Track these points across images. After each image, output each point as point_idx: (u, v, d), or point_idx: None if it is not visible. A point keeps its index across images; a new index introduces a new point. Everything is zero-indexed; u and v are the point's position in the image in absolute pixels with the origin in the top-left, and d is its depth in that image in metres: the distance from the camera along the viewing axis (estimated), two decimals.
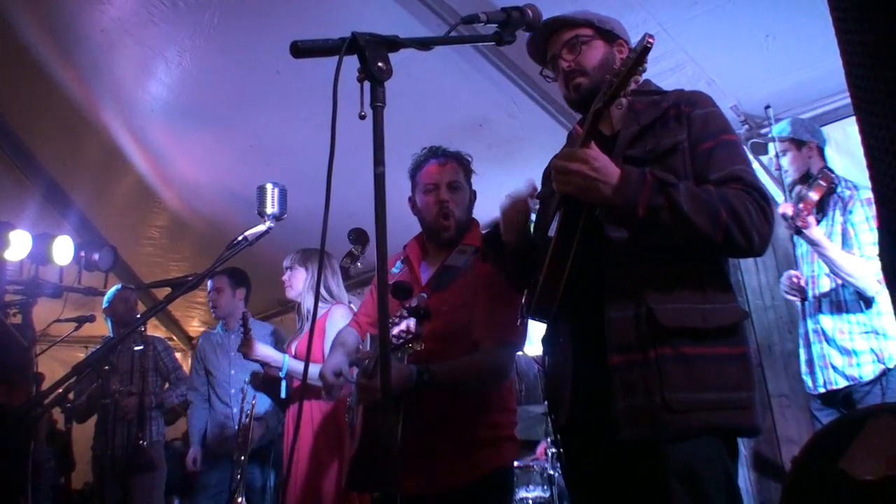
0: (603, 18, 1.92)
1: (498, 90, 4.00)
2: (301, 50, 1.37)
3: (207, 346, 4.35)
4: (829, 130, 3.46)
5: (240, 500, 3.62)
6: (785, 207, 2.92)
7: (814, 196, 2.92)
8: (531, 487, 3.75)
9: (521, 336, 2.30)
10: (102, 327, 5.01)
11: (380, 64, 1.35)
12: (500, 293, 2.19)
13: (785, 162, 3.20)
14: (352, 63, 1.37)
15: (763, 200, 1.60)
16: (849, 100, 0.87)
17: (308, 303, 3.45)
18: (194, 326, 7.16)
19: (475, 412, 2.26)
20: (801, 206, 2.89)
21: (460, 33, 1.77)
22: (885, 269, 0.93)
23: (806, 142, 3.15)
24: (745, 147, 1.81)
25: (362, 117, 1.33)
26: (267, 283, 4.71)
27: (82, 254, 4.67)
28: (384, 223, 1.34)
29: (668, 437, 1.52)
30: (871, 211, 2.80)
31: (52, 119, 5.08)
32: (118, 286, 4.87)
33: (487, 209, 5.24)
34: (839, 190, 3.02)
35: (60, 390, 2.08)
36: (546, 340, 1.87)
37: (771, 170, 3.46)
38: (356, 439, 2.31)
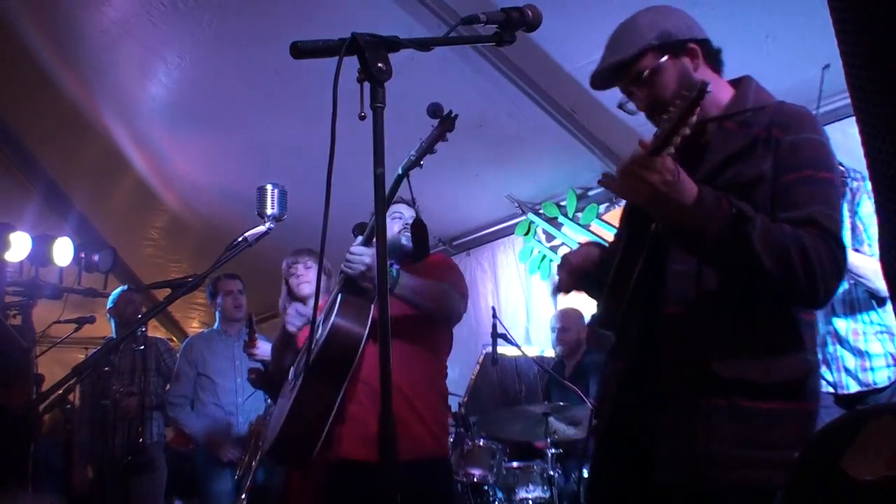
0: (656, 27, 1.70)
1: (498, 90, 4.00)
2: (301, 51, 1.37)
3: (205, 350, 4.25)
4: (829, 130, 3.45)
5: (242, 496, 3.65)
6: None
7: None
8: (531, 487, 3.75)
9: (465, 294, 2.57)
10: (102, 328, 5.01)
11: (380, 64, 1.35)
12: (445, 270, 2.59)
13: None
14: (352, 64, 1.37)
15: (839, 251, 1.46)
16: (849, 100, 0.87)
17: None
18: (194, 327, 7.15)
19: (426, 395, 2.45)
20: None
21: (460, 34, 1.77)
22: (884, 269, 0.93)
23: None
24: (836, 187, 1.56)
25: (362, 118, 1.33)
26: (267, 285, 4.71)
27: (82, 255, 4.67)
28: (384, 223, 1.34)
29: (707, 489, 1.47)
30: None
31: (52, 120, 5.08)
32: (124, 287, 4.85)
33: (488, 209, 5.28)
34: (847, 181, 2.76)
35: (61, 391, 2.08)
36: (609, 351, 1.79)
37: None
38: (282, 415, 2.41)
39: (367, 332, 2.33)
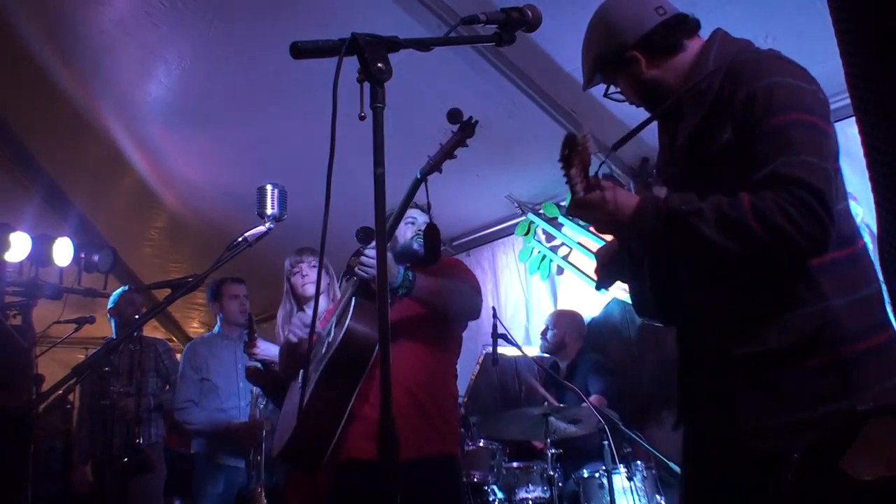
0: (590, 52, 1.80)
1: (497, 91, 4.00)
2: (301, 51, 1.37)
3: (207, 354, 4.24)
4: None
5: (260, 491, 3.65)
6: None
7: None
8: (531, 488, 3.75)
9: (480, 292, 2.60)
10: (102, 329, 5.01)
11: (379, 65, 1.35)
12: (459, 272, 2.62)
13: None
14: (352, 64, 1.37)
15: (811, 195, 1.37)
16: (849, 100, 0.87)
17: (321, 305, 3.39)
18: (194, 328, 7.15)
19: (437, 394, 2.47)
20: None
21: (460, 34, 1.77)
22: (884, 269, 0.93)
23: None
24: (805, 126, 1.46)
25: (362, 118, 1.33)
26: (267, 285, 4.71)
27: (82, 255, 4.67)
28: (384, 224, 1.34)
29: (757, 459, 1.47)
30: None
31: (52, 120, 5.08)
32: (125, 287, 4.84)
33: (488, 209, 5.28)
34: None
35: (61, 391, 2.08)
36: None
37: None
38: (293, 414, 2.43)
39: None
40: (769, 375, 1.46)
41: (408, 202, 2.39)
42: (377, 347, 2.24)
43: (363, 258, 2.35)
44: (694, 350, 1.63)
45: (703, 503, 1.63)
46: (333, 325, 2.50)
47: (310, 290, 3.34)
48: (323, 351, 2.47)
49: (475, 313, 2.57)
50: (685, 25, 1.70)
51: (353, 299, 2.40)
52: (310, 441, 2.35)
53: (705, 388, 1.59)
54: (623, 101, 1.82)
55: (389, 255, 2.38)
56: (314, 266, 3.44)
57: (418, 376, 2.41)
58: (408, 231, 2.62)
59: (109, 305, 4.69)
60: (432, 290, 2.37)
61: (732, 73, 1.53)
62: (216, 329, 4.43)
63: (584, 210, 1.52)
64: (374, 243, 2.42)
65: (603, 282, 1.90)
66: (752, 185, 1.43)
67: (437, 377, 2.52)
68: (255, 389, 3.96)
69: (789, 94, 1.48)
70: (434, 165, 2.30)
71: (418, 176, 2.31)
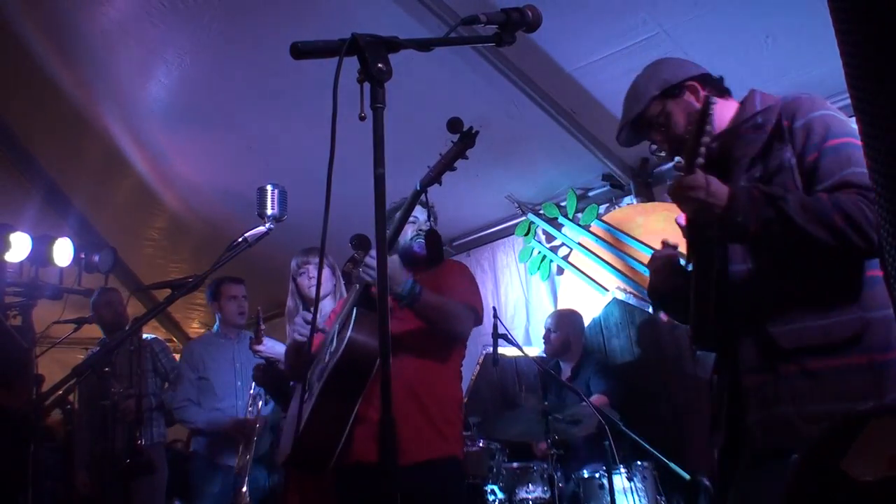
0: (653, 80, 1.94)
1: (497, 91, 4.00)
2: (301, 51, 1.37)
3: (204, 353, 4.24)
4: None
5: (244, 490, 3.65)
6: None
7: None
8: (531, 488, 3.75)
9: (481, 309, 2.59)
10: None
11: (379, 65, 1.35)
12: (463, 278, 2.62)
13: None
14: (352, 64, 1.37)
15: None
16: (849, 100, 0.87)
17: (326, 307, 3.38)
18: (194, 328, 7.15)
19: (441, 396, 2.48)
20: None
21: (460, 34, 1.77)
22: (885, 270, 0.93)
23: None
24: (857, 146, 1.65)
25: (362, 118, 1.33)
26: (267, 285, 4.72)
27: (82, 255, 4.67)
28: (384, 224, 1.34)
29: (801, 444, 1.54)
30: None
31: (51, 120, 5.07)
32: (100, 288, 4.79)
33: (488, 209, 5.28)
34: None
35: (61, 392, 2.08)
36: (714, 367, 1.96)
37: None
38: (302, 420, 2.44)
39: None
40: (812, 367, 1.64)
41: (408, 214, 2.40)
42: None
43: (367, 260, 2.36)
44: (743, 352, 1.75)
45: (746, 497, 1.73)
46: (336, 334, 2.50)
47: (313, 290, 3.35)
48: (326, 359, 2.47)
49: (464, 338, 2.59)
50: (722, 82, 1.98)
51: (355, 310, 2.39)
52: (315, 448, 2.35)
53: (750, 389, 1.73)
54: (664, 160, 2.11)
55: (397, 258, 2.40)
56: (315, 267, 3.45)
57: (421, 380, 2.43)
58: (408, 230, 2.62)
59: (90, 310, 4.66)
60: (434, 308, 2.38)
61: (788, 109, 1.77)
62: (215, 328, 4.42)
63: (683, 190, 1.67)
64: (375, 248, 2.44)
65: (657, 305, 2.10)
66: (821, 192, 1.64)
67: (441, 380, 2.52)
68: (253, 389, 3.96)
69: (839, 123, 1.72)
70: (434, 177, 2.33)
71: (418, 188, 2.33)
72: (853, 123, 1.63)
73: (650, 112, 1.93)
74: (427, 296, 2.36)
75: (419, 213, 2.64)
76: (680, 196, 1.70)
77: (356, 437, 2.37)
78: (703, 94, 1.88)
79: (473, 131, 2.29)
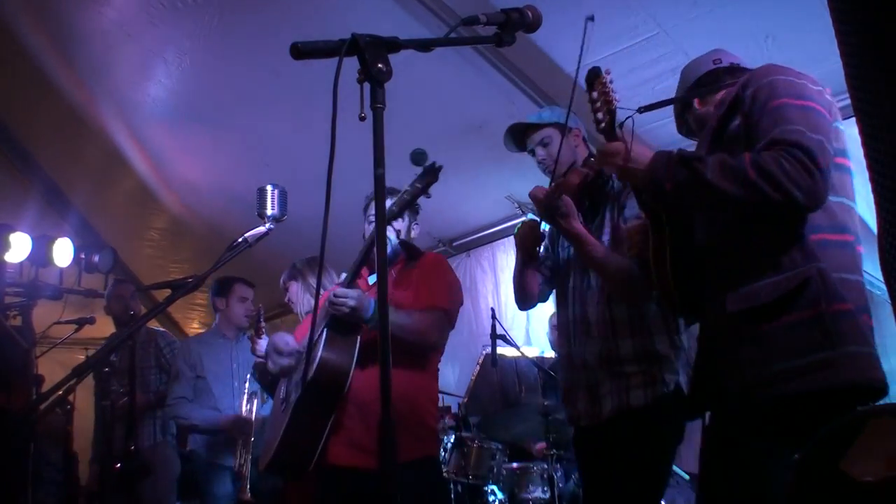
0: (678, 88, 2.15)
1: (498, 91, 4.00)
2: (301, 51, 1.37)
3: (202, 352, 4.18)
4: None
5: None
6: (535, 190, 2.35)
7: (573, 178, 2.33)
8: (531, 488, 3.75)
9: (454, 310, 2.64)
10: (102, 329, 5.00)
11: (380, 65, 1.35)
12: (437, 275, 2.65)
13: (547, 152, 2.56)
14: (352, 64, 1.37)
15: (803, 153, 1.59)
16: (849, 100, 0.87)
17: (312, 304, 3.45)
18: (194, 328, 7.15)
19: (411, 398, 2.51)
20: (570, 177, 2.33)
21: (460, 34, 1.77)
22: (884, 269, 0.93)
23: (572, 129, 2.60)
24: (800, 107, 1.71)
25: (362, 119, 1.33)
26: (267, 285, 4.71)
27: (82, 256, 4.67)
28: (384, 224, 1.35)
29: (764, 408, 1.66)
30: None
31: (51, 121, 5.08)
32: (113, 280, 4.80)
33: (488, 209, 5.28)
34: (612, 184, 2.47)
35: (61, 392, 2.08)
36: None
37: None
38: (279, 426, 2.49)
39: (354, 362, 2.38)
40: (764, 329, 1.66)
41: (370, 246, 2.45)
42: (351, 373, 2.35)
43: (332, 297, 2.39)
44: (708, 318, 1.86)
45: (721, 468, 1.78)
46: (307, 352, 2.55)
47: (296, 308, 3.59)
48: (299, 376, 2.53)
49: (437, 348, 2.63)
50: (735, 72, 2.01)
51: (326, 331, 2.43)
52: (292, 456, 2.43)
53: (713, 351, 1.82)
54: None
55: (356, 291, 2.42)
56: (286, 290, 3.57)
57: (395, 388, 2.42)
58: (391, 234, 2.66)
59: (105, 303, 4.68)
60: (401, 327, 2.39)
61: (745, 81, 1.83)
62: (213, 326, 4.38)
63: (606, 157, 1.82)
64: (343, 277, 2.58)
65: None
66: (754, 153, 1.67)
67: (414, 382, 2.54)
68: (249, 388, 3.96)
69: (786, 85, 1.75)
70: (397, 213, 2.40)
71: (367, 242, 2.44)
72: (809, 87, 1.76)
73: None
74: (394, 316, 2.37)
75: (398, 222, 2.70)
76: (603, 163, 1.86)
77: (331, 441, 2.44)
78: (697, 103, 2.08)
79: (437, 166, 2.37)
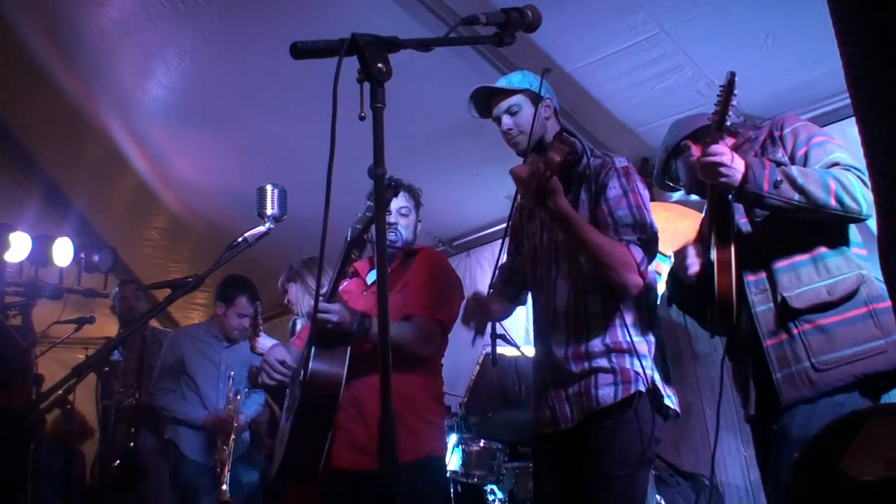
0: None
1: None
2: (301, 51, 1.37)
3: (192, 349, 4.12)
4: (829, 130, 3.45)
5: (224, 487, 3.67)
6: (519, 170, 2.09)
7: (555, 156, 2.07)
8: (531, 488, 3.74)
9: (449, 318, 2.64)
10: (102, 328, 5.01)
11: (380, 65, 1.35)
12: (431, 277, 2.63)
13: (514, 122, 2.34)
14: (352, 64, 1.37)
15: (862, 174, 1.90)
16: (849, 100, 0.87)
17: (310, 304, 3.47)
18: None
19: (412, 396, 2.53)
20: (540, 164, 2.03)
21: (460, 34, 1.77)
22: (884, 271, 0.93)
23: (544, 98, 2.35)
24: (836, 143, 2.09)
25: (362, 118, 1.33)
26: (267, 285, 4.71)
27: (82, 255, 4.67)
28: (384, 223, 1.35)
29: (824, 392, 1.91)
30: (631, 184, 2.20)
31: (51, 120, 5.08)
32: (119, 280, 4.82)
33: (488, 208, 5.28)
34: (586, 162, 2.28)
35: (61, 392, 2.08)
36: (726, 348, 2.20)
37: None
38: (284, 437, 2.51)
39: (345, 370, 2.39)
40: (824, 323, 1.96)
41: (347, 261, 2.42)
42: (342, 383, 2.37)
43: (320, 312, 2.37)
44: (760, 319, 2.05)
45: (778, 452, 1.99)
46: (303, 359, 2.56)
47: (296, 309, 3.59)
48: (301, 378, 2.54)
49: (429, 357, 2.62)
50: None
51: (314, 345, 2.44)
52: (299, 462, 2.45)
53: (771, 350, 2.01)
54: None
55: (337, 306, 2.40)
56: (284, 292, 3.58)
57: (393, 390, 2.42)
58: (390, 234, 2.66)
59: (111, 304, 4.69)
60: (393, 342, 2.37)
61: (776, 123, 2.18)
62: (207, 322, 4.32)
63: (713, 156, 1.93)
64: (325, 289, 2.54)
65: (672, 294, 2.35)
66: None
67: (414, 382, 2.54)
68: (232, 388, 3.93)
69: (817, 129, 2.16)
70: (363, 230, 2.37)
71: (348, 239, 2.37)
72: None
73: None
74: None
75: (407, 218, 2.70)
76: (707, 164, 1.95)
77: (333, 444, 2.45)
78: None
79: (393, 184, 2.39)
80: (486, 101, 2.38)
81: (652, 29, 3.45)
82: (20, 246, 4.26)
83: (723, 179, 1.95)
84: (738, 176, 1.93)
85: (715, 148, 1.95)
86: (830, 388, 1.92)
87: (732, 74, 1.91)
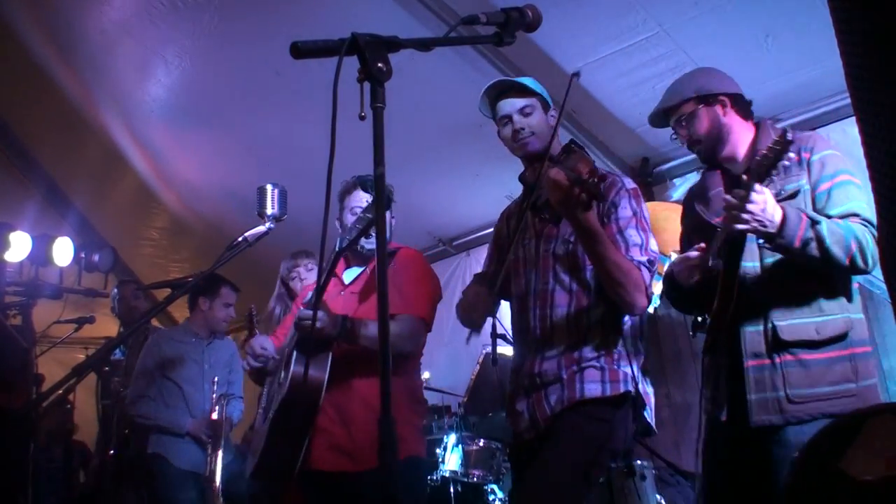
0: (694, 83, 2.24)
1: None
2: (301, 51, 1.37)
3: (172, 352, 3.99)
4: (829, 130, 3.46)
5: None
6: (558, 175, 1.94)
7: (583, 167, 2.00)
8: None
9: (431, 316, 2.62)
10: (102, 328, 5.01)
11: (380, 65, 1.35)
12: (412, 275, 2.59)
13: (527, 123, 2.29)
14: (352, 64, 1.37)
15: (875, 229, 1.89)
16: (849, 100, 0.87)
17: None
18: None
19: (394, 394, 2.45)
20: (582, 172, 1.94)
21: (460, 34, 1.77)
22: (884, 269, 0.93)
23: (550, 107, 2.36)
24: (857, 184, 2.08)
25: (362, 118, 1.33)
26: (266, 284, 4.71)
27: (82, 255, 4.67)
28: (384, 223, 1.35)
29: (790, 422, 1.98)
30: (640, 206, 2.23)
31: (51, 120, 5.08)
32: (119, 281, 4.82)
33: (488, 208, 5.28)
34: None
35: (61, 391, 2.08)
36: (706, 351, 2.20)
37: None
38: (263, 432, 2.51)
39: (327, 376, 2.38)
40: (806, 358, 2.01)
41: (333, 267, 2.42)
42: (324, 388, 2.37)
43: (297, 319, 2.38)
44: (747, 339, 2.07)
45: (739, 474, 2.07)
46: (282, 365, 2.56)
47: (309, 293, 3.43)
48: (280, 380, 2.53)
49: (413, 355, 2.61)
50: (750, 105, 2.25)
51: (295, 350, 2.44)
52: (276, 463, 2.45)
53: (751, 372, 2.04)
54: (683, 145, 2.31)
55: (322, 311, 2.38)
56: (311, 269, 3.48)
57: (374, 388, 2.42)
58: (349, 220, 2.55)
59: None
60: (371, 338, 2.38)
61: (807, 142, 2.12)
62: (185, 323, 4.23)
63: (747, 203, 1.89)
64: (308, 297, 2.55)
65: (671, 296, 2.34)
66: (835, 217, 1.99)
67: (395, 383, 2.52)
68: (217, 391, 3.90)
69: (844, 161, 2.10)
70: (352, 242, 2.33)
71: (336, 250, 2.35)
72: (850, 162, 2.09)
73: (682, 109, 2.20)
74: (361, 329, 2.40)
75: (357, 201, 2.58)
76: (741, 209, 1.90)
77: (314, 446, 2.45)
78: (729, 110, 2.17)
79: (368, 183, 2.32)
80: (492, 98, 2.35)
81: (652, 28, 3.45)
82: (20, 245, 4.26)
83: (759, 227, 1.93)
84: (773, 229, 1.92)
85: (756, 196, 1.89)
86: (797, 420, 1.98)
87: (784, 133, 1.87)
